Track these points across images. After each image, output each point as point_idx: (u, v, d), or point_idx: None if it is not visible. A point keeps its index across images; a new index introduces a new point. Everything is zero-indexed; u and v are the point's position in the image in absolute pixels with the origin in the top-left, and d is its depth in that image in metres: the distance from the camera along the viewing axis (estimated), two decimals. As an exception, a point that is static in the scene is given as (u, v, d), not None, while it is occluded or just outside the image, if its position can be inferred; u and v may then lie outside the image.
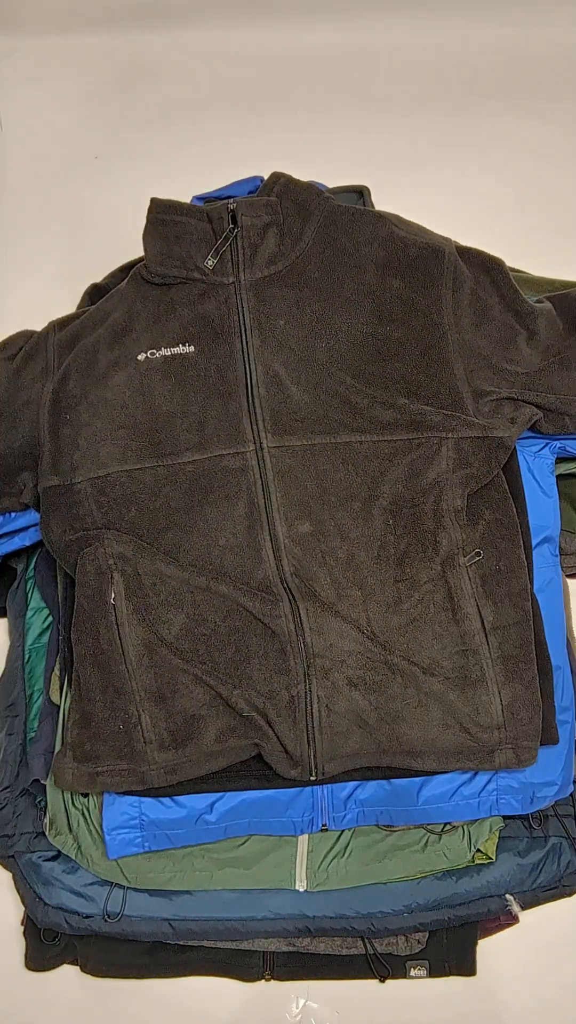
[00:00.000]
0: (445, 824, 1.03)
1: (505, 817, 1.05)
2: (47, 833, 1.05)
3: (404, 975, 1.08)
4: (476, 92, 1.61)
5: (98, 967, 1.10)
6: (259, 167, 1.14)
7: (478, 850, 1.04)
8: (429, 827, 1.04)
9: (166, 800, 1.00)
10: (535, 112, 1.58)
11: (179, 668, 0.97)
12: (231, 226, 1.03)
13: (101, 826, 1.01)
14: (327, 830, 1.04)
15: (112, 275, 1.21)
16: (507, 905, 1.05)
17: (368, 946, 1.07)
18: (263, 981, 1.10)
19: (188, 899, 1.05)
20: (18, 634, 1.20)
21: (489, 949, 1.10)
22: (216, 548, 0.98)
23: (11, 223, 1.58)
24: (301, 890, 1.04)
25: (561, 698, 1.02)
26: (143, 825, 1.00)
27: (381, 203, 1.19)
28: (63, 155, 1.62)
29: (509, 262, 1.09)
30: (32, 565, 1.22)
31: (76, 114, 1.66)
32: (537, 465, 1.10)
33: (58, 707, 1.10)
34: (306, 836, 1.05)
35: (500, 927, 1.10)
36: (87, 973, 1.10)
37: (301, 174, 1.09)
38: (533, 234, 1.45)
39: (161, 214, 1.06)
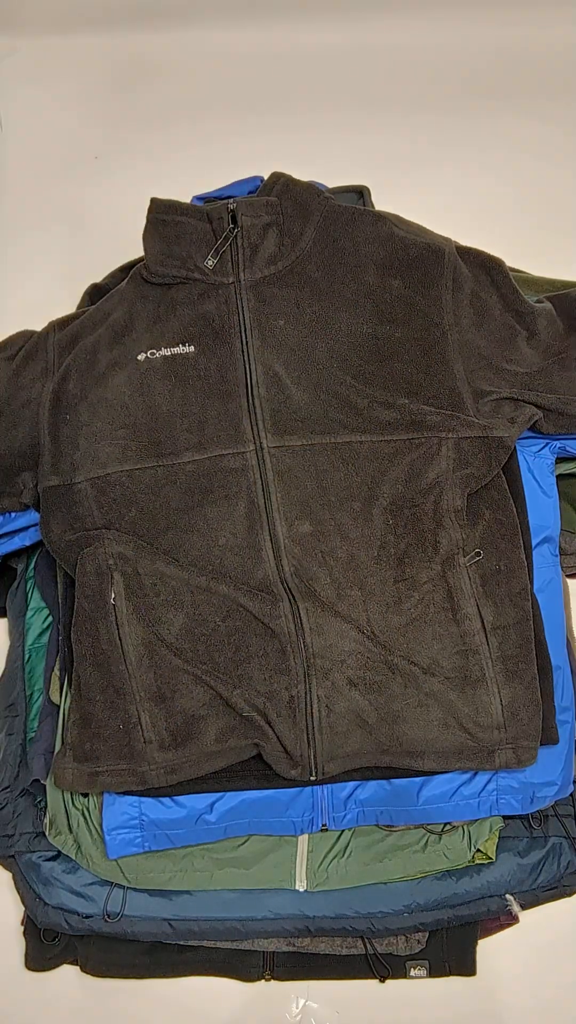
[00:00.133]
0: (445, 824, 1.03)
1: (505, 817, 1.05)
2: (47, 833, 1.05)
3: (404, 975, 1.08)
4: (476, 92, 1.61)
5: (98, 967, 1.10)
6: (259, 167, 1.14)
7: (478, 850, 1.04)
8: (429, 827, 1.04)
9: (166, 800, 1.00)
10: (535, 112, 1.58)
11: (179, 668, 0.97)
12: (231, 226, 1.03)
13: (101, 826, 1.01)
14: (327, 830, 1.04)
15: (112, 275, 1.21)
16: (507, 905, 1.05)
17: (368, 946, 1.07)
18: (263, 981, 1.10)
19: (188, 899, 1.05)
20: (18, 634, 1.20)
21: (489, 949, 1.10)
22: (216, 548, 0.98)
23: (11, 223, 1.58)
24: (301, 890, 1.04)
25: (561, 698, 1.02)
26: (143, 825, 1.00)
27: (381, 203, 1.19)
28: (63, 155, 1.62)
29: (509, 262, 1.09)
30: (32, 565, 1.22)
31: (76, 114, 1.66)
32: (537, 465, 1.10)
33: (58, 707, 1.10)
34: (306, 836, 1.05)
35: (500, 927, 1.10)
36: (87, 973, 1.10)
37: (301, 174, 1.09)
38: (533, 234, 1.45)
39: (161, 214, 1.06)
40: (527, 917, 1.08)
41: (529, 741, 0.95)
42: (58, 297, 1.39)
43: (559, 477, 1.13)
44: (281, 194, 1.06)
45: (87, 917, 1.05)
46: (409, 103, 1.61)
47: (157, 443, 1.01)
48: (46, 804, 1.07)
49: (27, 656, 1.18)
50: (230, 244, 1.04)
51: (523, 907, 1.06)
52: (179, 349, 1.04)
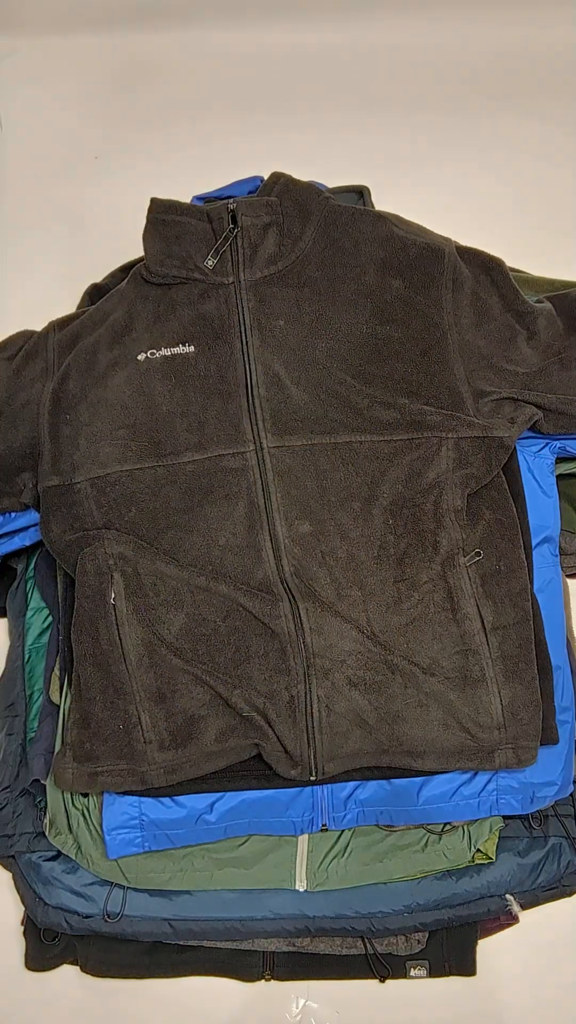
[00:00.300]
0: (445, 824, 1.03)
1: (505, 817, 1.05)
2: (47, 833, 1.05)
3: (404, 975, 1.08)
4: (476, 92, 1.61)
5: (98, 967, 1.10)
6: (259, 167, 1.14)
7: (478, 850, 1.04)
8: (429, 827, 1.04)
9: (166, 800, 1.00)
10: (535, 112, 1.58)
11: (179, 668, 0.97)
12: (231, 226, 1.03)
13: (101, 826, 1.01)
14: (327, 830, 1.04)
15: (112, 275, 1.21)
16: (507, 905, 1.05)
17: (368, 946, 1.07)
18: (263, 981, 1.10)
19: (188, 899, 1.05)
20: (18, 634, 1.20)
21: (489, 949, 1.10)
22: (216, 548, 0.98)
23: (11, 223, 1.58)
24: (301, 890, 1.04)
25: (561, 698, 1.02)
26: (143, 825, 1.00)
27: (381, 203, 1.19)
28: (63, 155, 1.62)
29: (509, 262, 1.09)
30: (32, 565, 1.22)
31: (76, 114, 1.66)
32: (537, 465, 1.10)
33: (58, 707, 1.10)
34: (306, 836, 1.05)
35: (500, 927, 1.10)
36: (87, 973, 1.10)
37: (301, 174, 1.09)
38: (533, 234, 1.45)
39: (161, 214, 1.06)
40: (527, 917, 1.08)
41: (529, 741, 0.95)
42: (58, 297, 1.39)
43: (559, 477, 1.13)
44: (281, 194, 1.06)
45: (87, 917, 1.05)
46: (409, 103, 1.61)
47: (157, 443, 1.01)
48: (46, 804, 1.07)
49: (27, 656, 1.18)
50: (230, 244, 1.04)
51: (523, 907, 1.06)
52: (179, 349, 1.04)
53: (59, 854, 1.07)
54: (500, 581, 0.99)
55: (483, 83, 1.62)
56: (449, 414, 1.00)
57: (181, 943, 1.08)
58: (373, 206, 1.19)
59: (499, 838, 1.05)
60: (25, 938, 1.12)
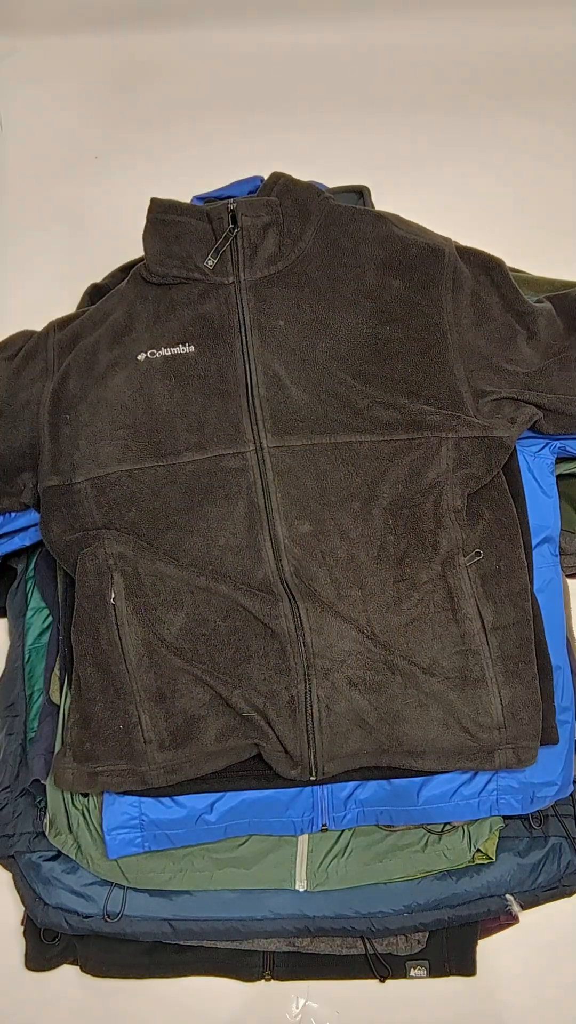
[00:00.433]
0: (445, 824, 1.03)
1: (505, 817, 1.05)
2: (47, 833, 1.05)
3: (404, 975, 1.08)
4: (476, 92, 1.61)
5: (98, 967, 1.10)
6: (259, 167, 1.14)
7: (478, 850, 1.04)
8: (429, 827, 1.04)
9: (166, 800, 1.00)
10: (535, 112, 1.58)
11: (179, 668, 0.97)
12: (231, 226, 1.03)
13: (101, 826, 1.01)
14: (327, 830, 1.04)
15: (112, 275, 1.21)
16: (507, 905, 1.05)
17: (368, 946, 1.07)
18: (263, 981, 1.10)
19: (188, 899, 1.05)
20: (18, 634, 1.20)
21: (489, 949, 1.10)
22: (216, 548, 0.98)
23: (11, 223, 1.58)
24: (301, 890, 1.04)
25: (561, 698, 1.02)
26: (143, 825, 1.00)
27: (381, 203, 1.19)
28: (63, 155, 1.62)
29: (509, 262, 1.09)
30: (32, 565, 1.22)
31: (76, 114, 1.66)
32: (537, 465, 1.10)
33: (58, 707, 1.10)
34: (306, 836, 1.05)
35: (500, 927, 1.10)
36: (87, 973, 1.10)
37: (301, 174, 1.09)
38: (533, 234, 1.45)
39: (161, 214, 1.06)
40: (527, 917, 1.08)
41: (529, 741, 0.95)
42: (58, 297, 1.39)
43: (559, 477, 1.13)
44: (281, 194, 1.06)
45: (87, 917, 1.05)
46: (409, 103, 1.61)
47: (157, 443, 1.01)
48: (46, 804, 1.07)
49: (27, 656, 1.18)
50: (230, 244, 1.04)
51: (523, 907, 1.06)
52: (179, 349, 1.04)
53: (59, 854, 1.07)
54: (500, 581, 0.99)
55: (483, 83, 1.62)
56: (449, 414, 1.00)
57: (181, 943, 1.08)
58: (373, 206, 1.19)
59: (499, 838, 1.05)
60: (25, 938, 1.12)
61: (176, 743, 0.96)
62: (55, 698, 1.10)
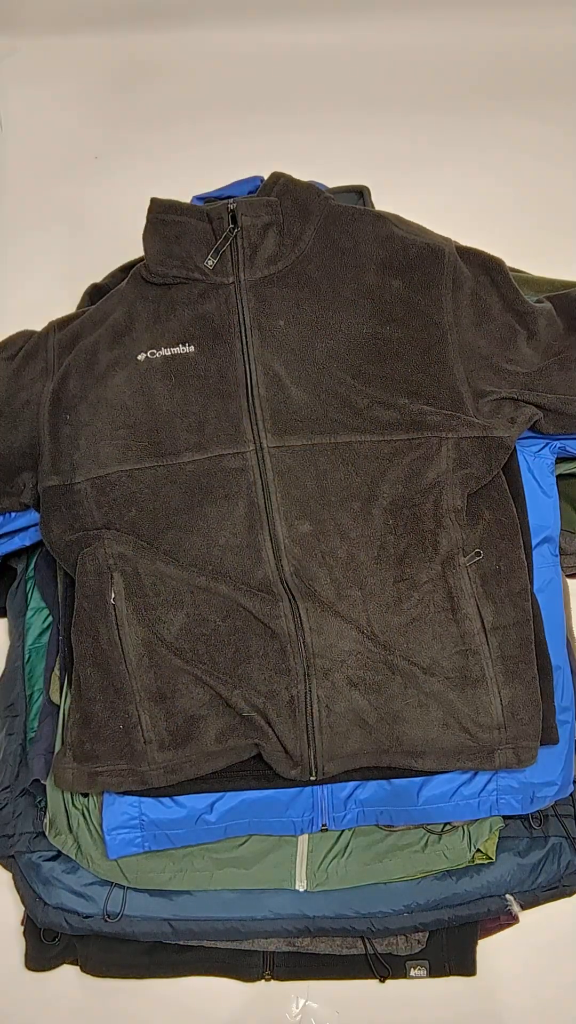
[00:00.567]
0: (445, 824, 1.03)
1: (505, 817, 1.05)
2: (47, 833, 1.05)
3: (404, 975, 1.08)
4: (476, 92, 1.61)
5: (98, 967, 1.10)
6: (259, 167, 1.14)
7: (478, 850, 1.04)
8: (429, 827, 1.04)
9: (166, 800, 1.00)
10: (535, 112, 1.58)
11: (179, 668, 0.97)
12: (231, 226, 1.03)
13: (101, 826, 1.01)
14: (327, 830, 1.04)
15: (112, 275, 1.21)
16: (507, 905, 1.05)
17: (368, 946, 1.07)
18: (263, 981, 1.10)
19: (188, 899, 1.05)
20: (18, 634, 1.20)
21: (489, 949, 1.10)
22: (216, 548, 0.99)
23: (11, 223, 1.58)
24: (301, 890, 1.04)
25: (561, 698, 1.02)
26: (143, 825, 1.00)
27: (381, 203, 1.19)
28: (63, 155, 1.62)
29: (509, 262, 1.09)
30: (32, 565, 1.22)
31: (76, 114, 1.66)
32: (537, 465, 1.10)
33: (58, 707, 1.10)
34: (306, 836, 1.05)
35: (500, 927, 1.10)
36: (87, 973, 1.10)
37: (301, 174, 1.09)
38: (533, 234, 1.45)
39: (161, 214, 1.06)
40: (527, 917, 1.08)
41: (529, 741, 0.95)
42: (58, 297, 1.39)
43: (559, 477, 1.13)
44: (281, 194, 1.06)
45: (87, 917, 1.05)
46: (409, 103, 1.61)
47: (157, 443, 1.01)
48: (46, 804, 1.07)
49: (27, 656, 1.19)
50: (230, 244, 1.04)
51: (523, 907, 1.06)
52: (179, 349, 1.04)
53: (59, 854, 1.07)
54: (500, 581, 0.99)
55: (483, 83, 1.62)
56: (449, 414, 1.00)
57: (181, 943, 1.08)
58: (373, 206, 1.19)
59: (499, 838, 1.05)
60: (25, 938, 1.12)
61: (176, 743, 0.96)
62: (55, 698, 1.10)
